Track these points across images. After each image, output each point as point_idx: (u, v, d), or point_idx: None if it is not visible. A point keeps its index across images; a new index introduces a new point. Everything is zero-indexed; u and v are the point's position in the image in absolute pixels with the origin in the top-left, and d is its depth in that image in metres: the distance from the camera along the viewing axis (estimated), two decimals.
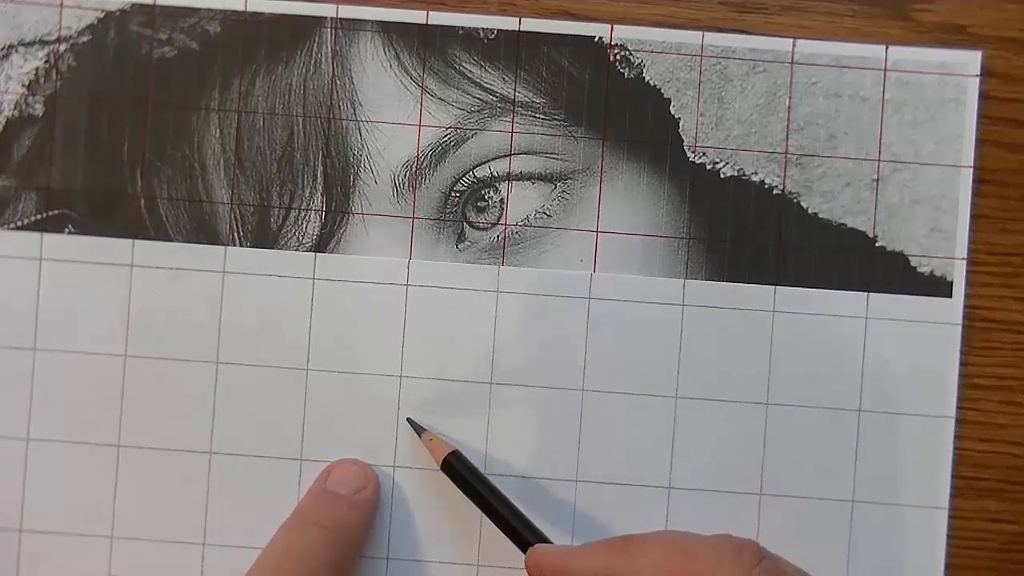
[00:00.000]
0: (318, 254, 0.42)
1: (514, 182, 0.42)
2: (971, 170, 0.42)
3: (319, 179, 0.42)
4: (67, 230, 0.42)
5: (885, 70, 0.42)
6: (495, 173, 0.42)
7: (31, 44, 0.42)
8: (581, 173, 0.42)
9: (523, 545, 0.38)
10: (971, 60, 0.42)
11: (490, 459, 0.41)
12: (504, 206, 0.42)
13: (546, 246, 0.42)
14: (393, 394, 0.41)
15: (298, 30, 0.42)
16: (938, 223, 0.42)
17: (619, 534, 0.41)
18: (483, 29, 0.42)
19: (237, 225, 0.42)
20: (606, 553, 0.34)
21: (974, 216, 0.42)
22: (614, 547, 0.34)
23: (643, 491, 0.41)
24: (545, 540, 0.38)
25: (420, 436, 0.41)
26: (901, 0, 0.42)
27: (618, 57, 0.42)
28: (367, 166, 0.42)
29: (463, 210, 0.42)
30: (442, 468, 0.40)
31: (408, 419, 0.41)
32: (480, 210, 0.42)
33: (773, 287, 0.41)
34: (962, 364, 0.42)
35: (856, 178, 0.42)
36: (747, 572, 0.32)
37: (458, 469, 0.40)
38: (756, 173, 0.42)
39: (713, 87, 0.42)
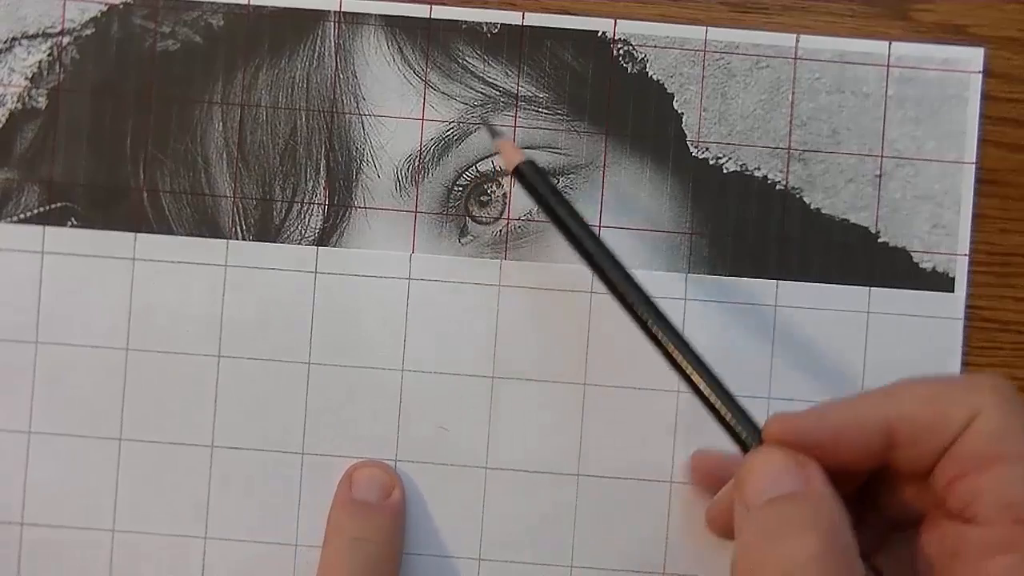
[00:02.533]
0: (320, 248, 0.42)
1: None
2: (973, 167, 0.42)
3: (322, 173, 0.42)
4: (69, 223, 0.42)
5: (888, 66, 0.42)
6: (498, 167, 0.42)
7: (34, 37, 0.42)
8: (584, 168, 0.42)
9: (587, 256, 0.35)
10: (974, 56, 0.42)
11: (492, 452, 0.41)
12: (507, 200, 0.42)
13: (549, 240, 0.42)
14: (395, 388, 0.41)
15: (301, 24, 0.42)
16: (940, 219, 0.42)
17: (620, 527, 0.41)
18: (486, 23, 0.42)
19: (240, 219, 0.42)
20: (863, 400, 0.31)
21: (975, 216, 0.42)
22: (866, 396, 0.31)
23: (646, 485, 0.41)
24: (604, 246, 0.35)
25: (493, 139, 0.40)
26: (901, 0, 0.42)
27: (621, 52, 0.42)
28: (370, 160, 0.42)
29: (466, 204, 0.42)
30: (512, 174, 0.38)
31: (482, 120, 0.41)
32: (483, 204, 0.42)
33: (775, 282, 0.42)
34: (963, 364, 0.42)
35: (859, 174, 0.42)
36: (1014, 390, 0.30)
37: (529, 178, 0.37)
38: (759, 168, 0.42)
39: (716, 82, 0.42)
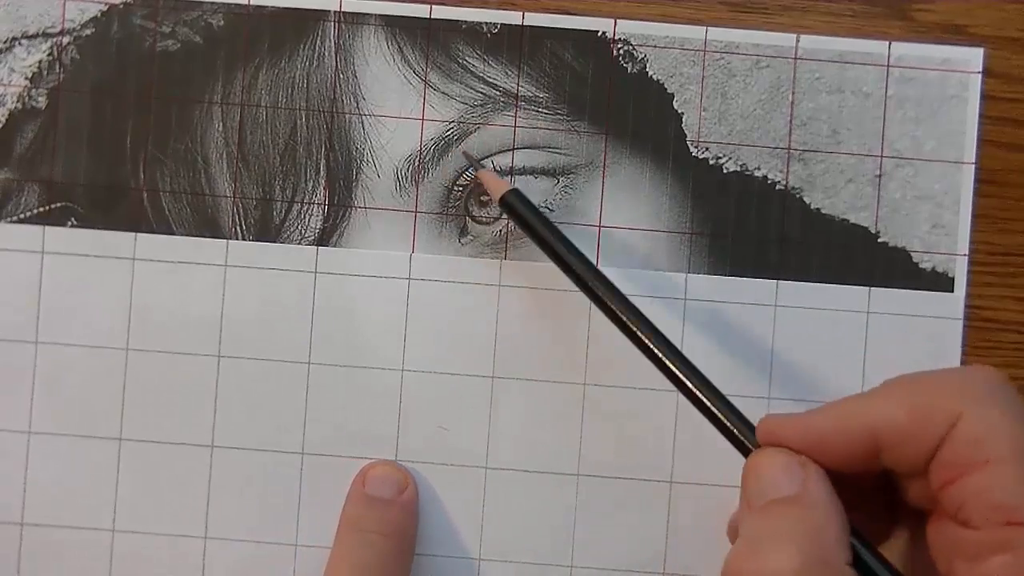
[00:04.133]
0: (320, 248, 0.42)
1: (517, 176, 0.42)
2: (973, 167, 0.42)
3: (322, 173, 0.42)
4: (69, 223, 0.42)
5: (888, 66, 0.42)
6: (498, 167, 0.42)
7: (34, 37, 0.42)
8: (584, 168, 0.42)
9: (580, 284, 0.37)
10: (973, 57, 0.42)
11: (491, 452, 0.41)
12: None
13: None
14: (395, 388, 0.41)
15: (301, 24, 0.42)
16: (940, 219, 0.42)
17: (621, 528, 0.41)
18: (486, 23, 0.42)
19: (239, 218, 0.42)
20: (847, 405, 0.32)
21: (974, 216, 0.42)
22: (850, 401, 0.32)
23: (645, 485, 0.41)
24: (593, 267, 0.37)
25: (476, 171, 0.41)
26: (901, 0, 0.42)
27: (621, 52, 0.42)
28: (370, 160, 0.42)
29: (466, 204, 0.42)
30: (499, 205, 0.39)
31: (464, 152, 0.41)
32: (483, 204, 0.42)
33: (775, 282, 0.42)
34: (962, 364, 0.42)
35: (858, 174, 0.42)
36: (1000, 382, 0.30)
37: (516, 208, 0.39)
38: (759, 168, 0.42)
39: (716, 82, 0.42)
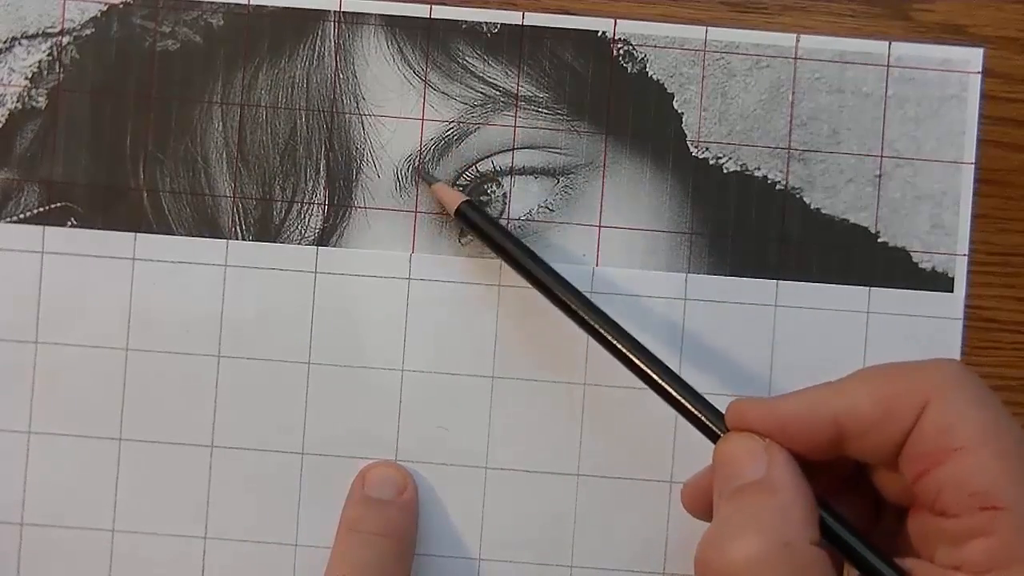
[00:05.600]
0: (320, 248, 0.42)
1: (517, 176, 0.42)
2: (972, 167, 0.42)
3: (322, 173, 0.42)
4: (69, 223, 0.42)
5: (888, 66, 0.42)
6: (498, 167, 0.42)
7: (34, 37, 0.42)
8: (584, 168, 0.42)
9: (538, 285, 0.38)
10: (973, 57, 0.42)
11: (491, 452, 0.41)
12: (507, 200, 0.42)
13: (548, 240, 0.42)
14: (395, 388, 0.41)
15: (301, 24, 0.42)
16: (939, 219, 0.42)
17: (620, 528, 0.41)
18: (486, 23, 0.42)
19: (239, 219, 0.42)
20: (815, 392, 0.32)
21: (974, 216, 0.42)
22: (819, 388, 0.32)
23: (646, 485, 0.41)
24: (556, 274, 0.38)
25: (430, 186, 0.41)
26: (901, 0, 0.42)
27: (621, 52, 0.42)
28: (370, 160, 0.42)
29: None
30: (455, 216, 0.40)
31: (416, 169, 0.42)
32: (483, 204, 0.42)
33: (775, 282, 0.42)
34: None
35: (858, 174, 0.42)
36: (965, 372, 0.31)
37: (470, 217, 0.39)
38: (759, 168, 0.42)
39: (716, 82, 0.42)
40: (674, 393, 0.35)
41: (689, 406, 0.34)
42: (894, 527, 0.33)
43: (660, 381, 0.35)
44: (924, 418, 0.30)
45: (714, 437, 0.34)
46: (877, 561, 0.31)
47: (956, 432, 0.29)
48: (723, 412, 0.34)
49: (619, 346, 0.36)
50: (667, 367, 0.35)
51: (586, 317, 0.36)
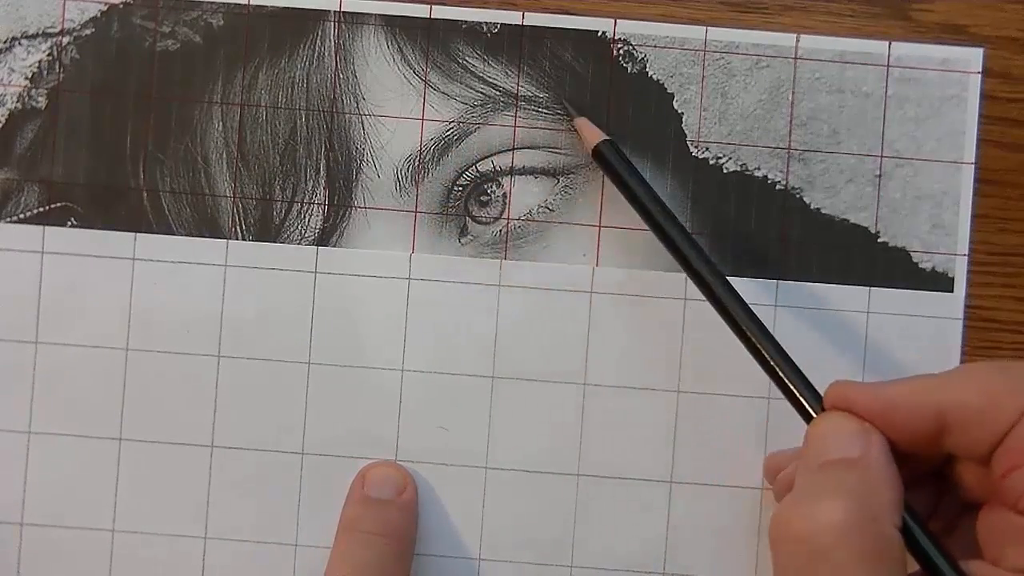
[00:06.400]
0: (320, 248, 0.42)
1: (517, 176, 0.42)
2: (972, 167, 0.42)
3: (322, 173, 0.42)
4: (69, 223, 0.42)
5: (888, 66, 0.42)
6: (498, 167, 0.42)
7: (34, 37, 0.42)
8: (584, 168, 0.42)
9: (671, 245, 0.37)
10: (973, 57, 0.42)
11: (491, 452, 0.41)
12: (507, 200, 0.42)
13: (548, 240, 0.42)
14: (395, 388, 0.41)
15: (301, 24, 0.42)
16: (940, 219, 0.42)
17: (621, 528, 0.41)
18: (486, 23, 0.42)
19: (239, 219, 0.42)
20: (920, 382, 0.32)
21: (974, 216, 0.42)
22: (924, 378, 0.32)
23: (645, 485, 0.41)
24: (683, 229, 0.37)
25: (573, 120, 0.41)
26: (901, 0, 0.42)
27: (621, 52, 0.42)
28: (370, 160, 0.42)
29: (465, 204, 0.42)
30: (592, 155, 0.40)
31: (564, 100, 0.41)
32: (483, 204, 0.42)
33: (775, 282, 0.42)
34: (962, 364, 0.42)
35: (858, 174, 0.42)
36: None
37: (609, 160, 0.39)
38: (759, 168, 0.42)
39: (717, 82, 0.42)
40: (776, 368, 0.35)
41: (788, 382, 0.34)
42: (951, 525, 0.33)
43: (765, 353, 0.35)
44: None
45: (807, 417, 0.34)
46: (941, 561, 0.30)
47: None
48: (821, 393, 0.34)
49: (734, 314, 0.36)
50: (779, 346, 0.35)
51: (708, 278, 0.37)
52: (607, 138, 0.40)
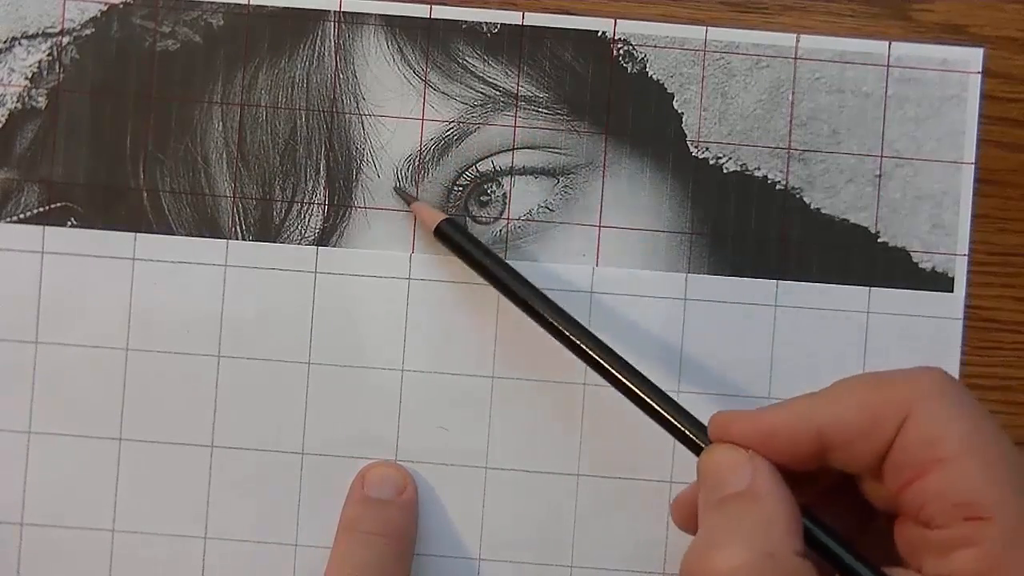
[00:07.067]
0: (320, 248, 0.42)
1: (517, 176, 0.42)
2: (972, 167, 0.42)
3: (322, 173, 0.42)
4: (69, 223, 0.42)
5: (888, 66, 0.42)
6: (498, 167, 0.42)
7: (34, 37, 0.42)
8: (584, 168, 0.42)
9: (523, 304, 0.38)
10: (973, 57, 0.42)
11: (491, 452, 0.41)
12: (507, 200, 0.42)
13: (548, 240, 0.42)
14: (395, 387, 0.41)
15: (301, 23, 0.42)
16: (940, 219, 0.42)
17: (620, 528, 0.41)
18: (486, 23, 0.42)
19: (239, 218, 0.42)
20: (798, 404, 0.32)
21: (974, 216, 0.42)
22: (802, 399, 0.32)
23: (645, 485, 0.41)
24: (538, 291, 0.38)
25: (409, 205, 0.41)
26: (901, 0, 0.42)
27: (621, 52, 0.42)
28: (370, 160, 0.42)
29: (466, 204, 0.42)
30: (435, 235, 0.40)
31: (395, 188, 0.42)
32: (483, 204, 0.42)
33: (775, 282, 0.42)
34: (962, 364, 0.42)
35: (858, 174, 0.42)
36: (948, 381, 0.30)
37: (450, 235, 0.40)
38: (759, 168, 0.42)
39: (717, 82, 0.42)
40: (655, 405, 0.35)
41: (671, 418, 0.34)
42: (883, 536, 0.33)
43: (640, 394, 0.35)
44: (906, 428, 0.30)
45: (697, 449, 0.34)
46: (864, 571, 0.30)
47: (939, 442, 0.29)
48: (706, 425, 0.34)
49: (601, 361, 0.36)
50: (648, 379, 0.35)
51: (567, 332, 0.37)
52: (446, 217, 0.40)
